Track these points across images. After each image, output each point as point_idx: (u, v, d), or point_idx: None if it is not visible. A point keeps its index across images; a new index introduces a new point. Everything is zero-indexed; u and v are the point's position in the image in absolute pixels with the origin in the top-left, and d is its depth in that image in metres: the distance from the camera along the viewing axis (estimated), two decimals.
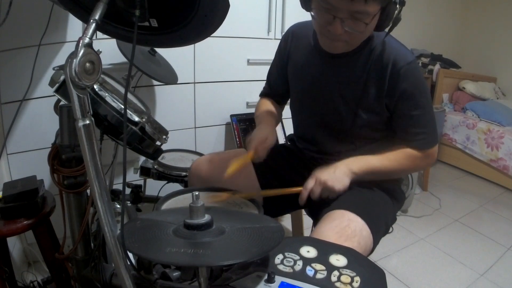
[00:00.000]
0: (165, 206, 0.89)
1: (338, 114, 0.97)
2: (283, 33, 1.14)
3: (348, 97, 0.94)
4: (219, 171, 1.07)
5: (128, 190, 1.48)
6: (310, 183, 0.89)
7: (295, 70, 1.09)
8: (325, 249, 0.65)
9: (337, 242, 0.74)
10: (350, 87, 0.93)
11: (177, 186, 1.44)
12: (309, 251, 0.64)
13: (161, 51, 1.53)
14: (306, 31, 1.05)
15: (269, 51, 1.84)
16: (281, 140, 1.83)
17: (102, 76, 0.90)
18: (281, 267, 0.60)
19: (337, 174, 0.89)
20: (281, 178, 1.11)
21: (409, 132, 0.93)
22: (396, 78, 0.87)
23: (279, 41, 1.15)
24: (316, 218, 0.96)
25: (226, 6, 0.58)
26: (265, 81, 1.25)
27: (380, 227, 0.90)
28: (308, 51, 1.04)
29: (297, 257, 0.62)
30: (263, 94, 1.25)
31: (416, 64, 0.89)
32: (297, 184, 0.95)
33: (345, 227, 0.80)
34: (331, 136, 1.03)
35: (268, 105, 1.17)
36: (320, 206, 0.93)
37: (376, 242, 0.87)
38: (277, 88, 1.18)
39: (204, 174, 1.07)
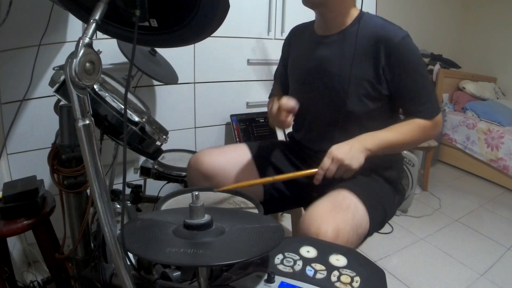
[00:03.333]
0: (165, 206, 0.89)
1: (335, 93, 0.98)
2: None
3: (342, 74, 0.96)
4: (219, 165, 1.07)
5: (128, 190, 1.48)
6: (327, 162, 0.89)
7: (293, 61, 1.13)
8: (325, 249, 0.65)
9: (331, 213, 0.77)
10: (344, 64, 0.95)
11: (177, 186, 1.45)
12: (309, 251, 0.64)
13: (161, 51, 1.53)
14: (305, 27, 1.11)
15: (269, 51, 1.84)
16: (281, 138, 1.83)
17: (102, 76, 0.90)
18: (281, 267, 0.60)
19: (353, 152, 0.89)
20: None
21: (416, 103, 0.94)
22: (394, 54, 0.90)
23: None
24: None
25: (226, 7, 0.58)
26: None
27: (377, 211, 0.91)
28: (305, 42, 1.08)
29: (297, 257, 0.62)
30: (271, 96, 1.27)
31: (410, 37, 0.92)
32: (298, 181, 0.96)
33: (340, 201, 0.83)
34: (330, 120, 1.02)
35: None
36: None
37: (372, 225, 0.88)
38: (283, 87, 1.18)
39: (203, 167, 1.06)
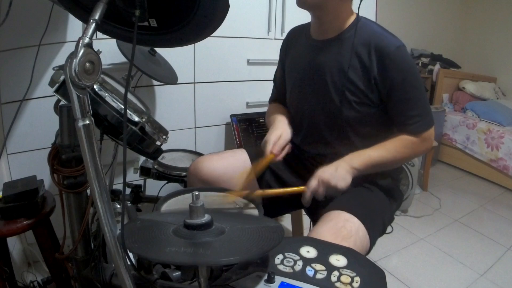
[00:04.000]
0: (165, 206, 0.89)
1: (329, 99, 0.98)
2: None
3: (336, 81, 0.95)
4: (219, 171, 1.08)
5: (128, 190, 1.48)
6: (313, 184, 0.89)
7: (290, 65, 1.12)
8: (325, 249, 0.65)
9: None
10: (338, 71, 0.95)
11: (177, 186, 1.44)
12: (309, 251, 0.64)
13: (161, 51, 1.53)
14: (302, 30, 1.10)
15: (269, 51, 1.84)
16: None
17: (102, 76, 0.90)
18: (281, 267, 0.60)
19: (339, 172, 0.89)
20: (280, 179, 1.11)
21: (406, 116, 0.93)
22: (387, 64, 0.89)
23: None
24: (314, 218, 0.96)
25: (226, 7, 0.58)
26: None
27: (377, 227, 0.90)
28: (301, 46, 1.08)
29: (297, 257, 0.62)
30: (271, 100, 1.27)
31: (405, 48, 0.91)
32: (295, 185, 0.96)
33: (340, 227, 0.80)
34: (325, 125, 1.02)
35: (277, 108, 1.19)
36: (317, 206, 0.93)
37: (373, 241, 0.87)
38: (283, 90, 1.19)
39: (203, 173, 1.07)
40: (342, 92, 0.94)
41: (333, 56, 0.96)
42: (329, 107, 0.98)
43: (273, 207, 1.08)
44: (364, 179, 0.98)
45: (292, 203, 1.14)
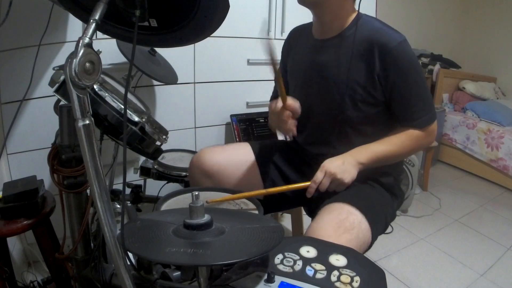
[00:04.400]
0: (165, 206, 0.89)
1: (332, 98, 0.97)
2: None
3: (339, 80, 0.95)
4: (221, 163, 1.07)
5: (128, 190, 1.48)
6: (319, 176, 0.90)
7: (292, 65, 1.12)
8: (325, 249, 0.65)
9: (335, 234, 0.75)
10: (340, 70, 0.94)
11: (177, 186, 1.44)
12: (309, 251, 0.64)
13: (161, 51, 1.53)
14: (303, 29, 1.10)
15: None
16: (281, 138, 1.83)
17: (102, 76, 0.90)
18: (281, 267, 0.60)
19: (345, 166, 0.89)
20: (284, 176, 1.11)
21: (411, 111, 0.93)
22: (389, 60, 0.88)
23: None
24: (314, 217, 0.96)
25: (226, 7, 0.58)
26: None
27: (379, 223, 0.90)
28: (303, 45, 1.07)
29: (297, 257, 0.62)
30: (272, 98, 1.26)
31: (407, 43, 0.89)
32: (299, 182, 0.96)
33: (343, 219, 0.80)
34: (328, 125, 1.02)
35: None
36: (318, 205, 0.93)
37: (374, 237, 0.87)
38: (285, 89, 1.18)
39: (205, 165, 1.06)
40: (345, 91, 0.94)
41: (334, 55, 0.96)
42: (331, 106, 0.98)
43: (272, 203, 1.08)
44: (366, 177, 0.98)
45: (293, 201, 1.14)
